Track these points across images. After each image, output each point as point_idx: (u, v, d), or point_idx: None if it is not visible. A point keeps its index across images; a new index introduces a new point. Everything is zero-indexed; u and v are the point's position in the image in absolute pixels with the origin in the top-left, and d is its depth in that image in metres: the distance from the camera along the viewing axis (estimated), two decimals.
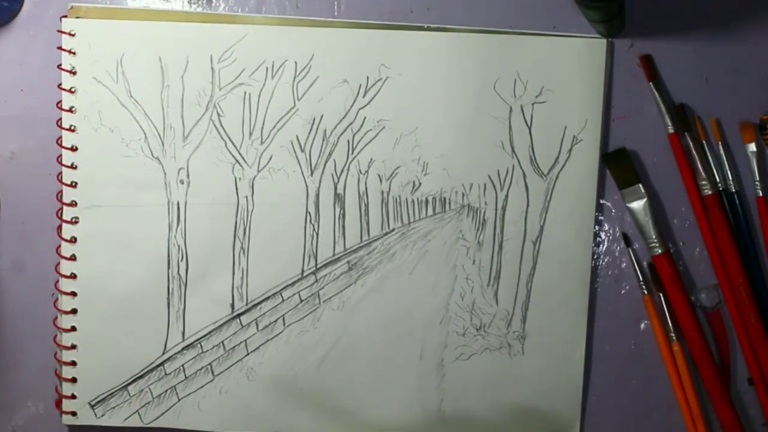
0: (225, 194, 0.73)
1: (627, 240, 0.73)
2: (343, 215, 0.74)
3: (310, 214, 0.74)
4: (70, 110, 0.73)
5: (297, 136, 0.73)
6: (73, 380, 0.74)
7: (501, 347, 0.73)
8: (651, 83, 0.71)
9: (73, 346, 0.74)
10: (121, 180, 0.73)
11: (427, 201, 0.74)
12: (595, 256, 0.73)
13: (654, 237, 0.71)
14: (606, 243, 0.73)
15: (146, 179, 0.73)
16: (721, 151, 0.71)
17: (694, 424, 0.71)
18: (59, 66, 0.73)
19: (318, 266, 0.74)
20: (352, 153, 0.74)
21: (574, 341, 0.72)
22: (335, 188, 0.74)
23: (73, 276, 0.74)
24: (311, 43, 0.73)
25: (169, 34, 0.73)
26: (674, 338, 0.71)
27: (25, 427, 0.76)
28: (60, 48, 0.73)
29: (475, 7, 0.73)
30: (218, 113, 0.73)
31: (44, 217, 0.74)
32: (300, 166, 0.73)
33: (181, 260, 0.74)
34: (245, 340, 0.74)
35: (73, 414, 0.74)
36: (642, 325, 0.73)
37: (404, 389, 0.74)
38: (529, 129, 0.73)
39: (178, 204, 0.73)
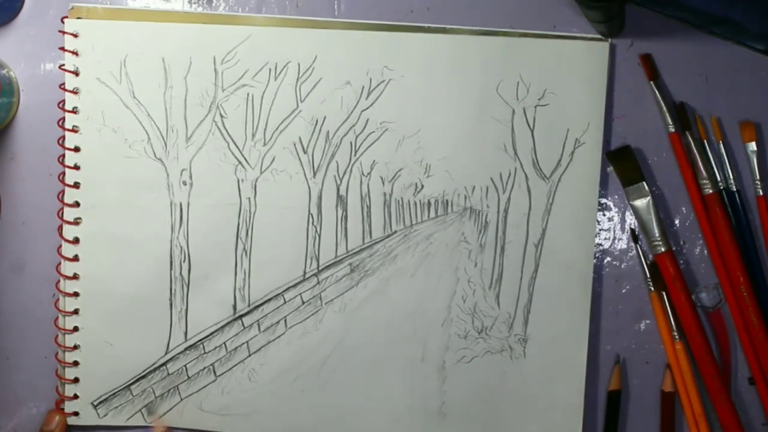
0: (227, 195, 0.76)
1: (634, 236, 0.75)
2: (346, 217, 0.76)
3: (312, 216, 0.76)
4: (73, 111, 0.76)
5: (300, 138, 0.76)
6: (76, 380, 0.77)
7: (502, 350, 0.76)
8: (651, 82, 0.74)
9: (76, 347, 0.77)
10: (124, 181, 0.76)
11: (429, 203, 0.76)
12: (596, 257, 0.75)
13: (657, 235, 0.73)
14: (606, 243, 0.76)
15: (149, 180, 0.76)
16: (722, 150, 0.73)
17: (696, 424, 0.73)
18: (61, 66, 0.76)
19: (320, 268, 0.76)
20: (355, 155, 0.76)
21: (576, 344, 0.75)
22: (338, 190, 0.76)
23: (76, 276, 0.76)
24: (314, 44, 0.75)
25: (173, 36, 0.75)
26: (676, 337, 0.73)
27: (26, 427, 0.78)
28: (63, 49, 0.75)
29: (475, 6, 0.75)
30: (221, 114, 0.76)
31: (45, 218, 0.76)
32: (303, 168, 0.76)
33: (184, 261, 0.76)
34: (247, 342, 0.77)
35: (76, 414, 0.77)
36: (642, 325, 0.75)
37: (406, 391, 0.76)
38: (532, 131, 0.75)
39: (180, 205, 0.76)
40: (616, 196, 0.76)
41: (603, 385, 0.76)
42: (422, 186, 0.76)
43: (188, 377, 0.77)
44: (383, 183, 0.76)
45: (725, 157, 0.74)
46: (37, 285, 0.78)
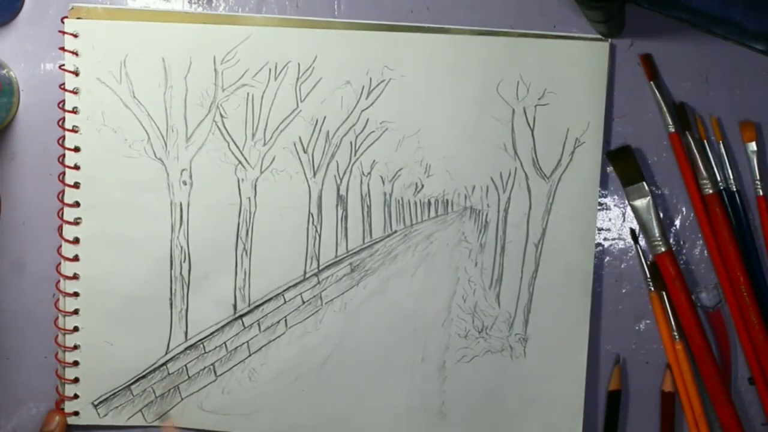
0: (228, 195, 0.76)
1: (634, 236, 0.75)
2: (346, 217, 0.76)
3: (312, 216, 0.76)
4: (73, 111, 0.76)
5: (300, 138, 0.76)
6: (76, 380, 0.77)
7: (503, 349, 0.76)
8: (651, 82, 0.74)
9: (76, 347, 0.77)
10: (124, 181, 0.76)
11: (429, 203, 0.76)
12: (596, 257, 0.76)
13: (657, 235, 0.74)
14: (606, 243, 0.76)
15: (149, 180, 0.76)
16: (722, 150, 0.74)
17: (696, 424, 0.74)
18: (61, 66, 0.76)
19: (320, 268, 0.77)
20: (355, 155, 0.76)
21: (576, 343, 0.75)
22: (338, 190, 0.76)
23: (76, 276, 0.77)
24: (314, 44, 0.75)
25: (173, 36, 0.76)
26: (676, 337, 0.74)
27: (26, 427, 0.78)
28: (63, 49, 0.76)
29: (474, 6, 0.76)
30: (221, 114, 0.76)
31: (45, 218, 0.77)
32: (303, 168, 0.76)
33: (184, 261, 0.76)
34: (247, 341, 0.77)
35: (76, 414, 0.77)
36: (642, 325, 0.76)
37: (406, 391, 0.77)
38: (532, 131, 0.75)
39: (180, 205, 0.76)
40: (616, 196, 0.76)
41: (603, 385, 0.77)
42: (422, 186, 0.76)
43: (188, 377, 0.77)
44: (383, 183, 0.77)
45: (725, 157, 0.74)
46: (37, 285, 0.78)
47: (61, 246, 0.77)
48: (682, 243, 0.76)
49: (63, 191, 0.77)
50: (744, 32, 0.73)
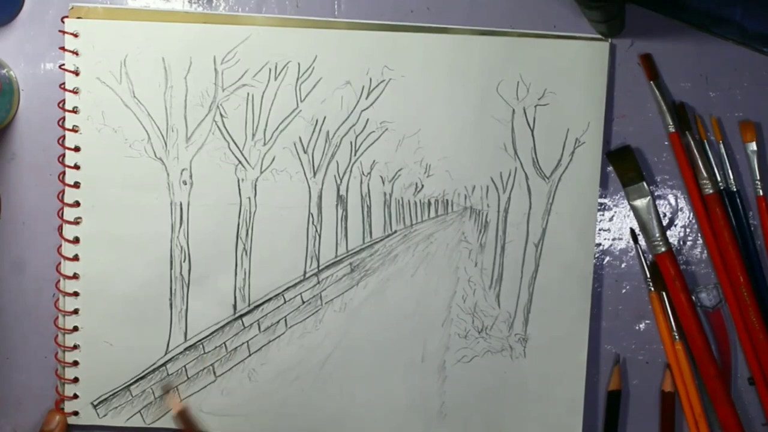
0: (228, 195, 0.76)
1: (634, 236, 0.75)
2: (346, 217, 0.76)
3: (312, 216, 0.76)
4: (74, 110, 0.76)
5: (300, 138, 0.76)
6: (75, 380, 0.77)
7: (503, 350, 0.76)
8: (651, 82, 0.74)
9: (76, 347, 0.77)
10: (124, 180, 0.76)
11: (429, 203, 0.76)
12: (596, 257, 0.76)
13: (657, 235, 0.74)
14: (606, 243, 0.76)
15: (149, 180, 0.76)
16: (722, 150, 0.74)
17: (696, 424, 0.74)
18: (62, 66, 0.76)
19: (320, 268, 0.76)
20: (355, 155, 0.76)
21: (576, 343, 0.75)
22: (338, 190, 0.76)
23: (76, 276, 0.76)
24: (314, 44, 0.75)
25: (173, 35, 0.75)
26: (676, 337, 0.74)
27: (26, 427, 0.78)
28: (63, 48, 0.75)
29: (474, 6, 0.76)
30: (221, 114, 0.76)
31: (45, 218, 0.77)
32: (303, 168, 0.76)
33: (184, 261, 0.76)
34: (247, 342, 0.77)
35: (76, 414, 0.77)
36: (642, 325, 0.76)
37: (406, 391, 0.77)
38: (532, 131, 0.75)
39: (180, 205, 0.76)
40: (616, 196, 0.76)
41: (603, 385, 0.77)
42: (422, 186, 0.76)
43: (188, 378, 0.77)
44: (383, 183, 0.77)
45: (725, 157, 0.74)
46: (37, 285, 0.78)
47: (61, 246, 0.77)
48: (682, 243, 0.76)
49: (63, 191, 0.77)
50: (744, 32, 0.73)
